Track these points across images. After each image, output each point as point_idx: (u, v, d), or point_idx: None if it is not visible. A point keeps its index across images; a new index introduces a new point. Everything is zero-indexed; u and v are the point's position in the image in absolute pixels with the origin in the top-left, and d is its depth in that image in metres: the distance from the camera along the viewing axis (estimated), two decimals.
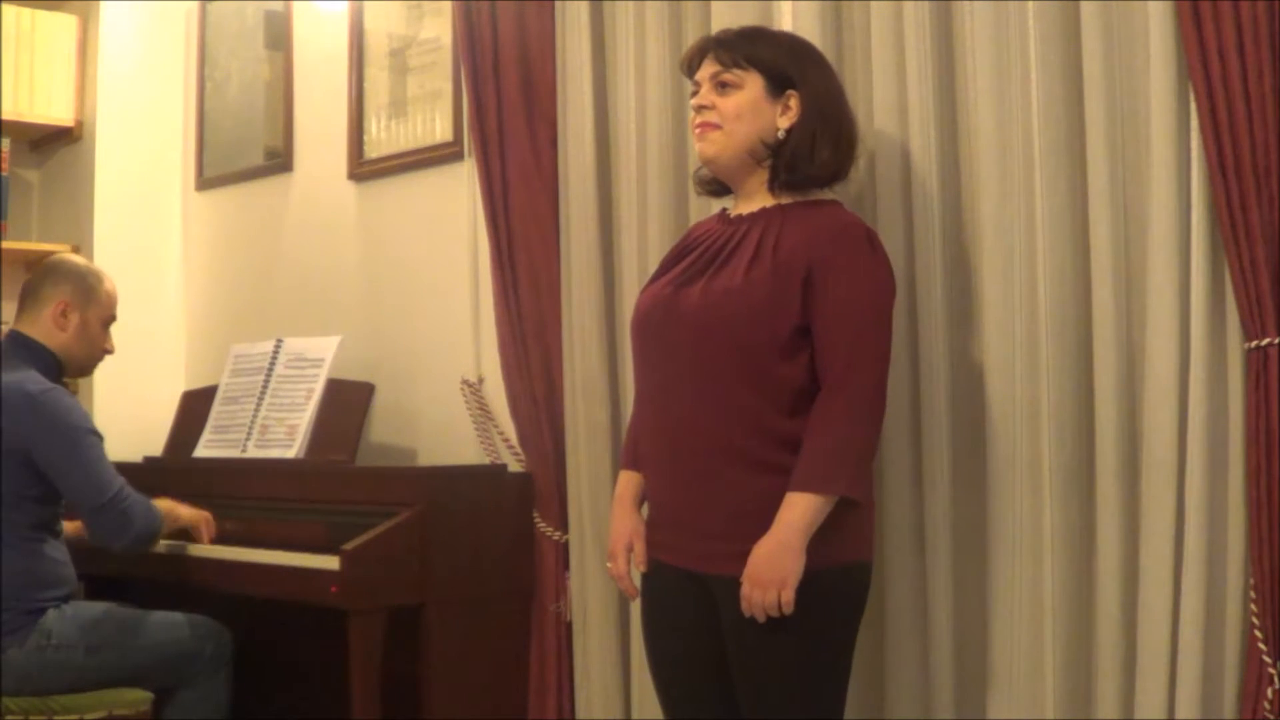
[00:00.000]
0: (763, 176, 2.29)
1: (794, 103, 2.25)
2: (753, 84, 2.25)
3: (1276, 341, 2.05)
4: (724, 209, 2.40)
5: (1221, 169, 2.08)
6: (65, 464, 2.96)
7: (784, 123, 2.25)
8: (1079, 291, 2.32)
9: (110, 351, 3.27)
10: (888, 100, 2.53)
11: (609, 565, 2.39)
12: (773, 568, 2.07)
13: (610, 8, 3.04)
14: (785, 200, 2.27)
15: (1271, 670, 2.06)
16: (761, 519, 2.11)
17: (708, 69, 2.28)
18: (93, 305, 3.18)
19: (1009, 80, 2.37)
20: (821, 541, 2.09)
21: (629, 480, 2.38)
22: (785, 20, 2.72)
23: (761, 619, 2.09)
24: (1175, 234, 2.17)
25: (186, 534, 3.26)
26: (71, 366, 3.19)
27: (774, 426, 2.15)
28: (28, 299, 3.17)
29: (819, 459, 2.10)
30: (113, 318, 3.25)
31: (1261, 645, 2.07)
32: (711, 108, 2.26)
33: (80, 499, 2.97)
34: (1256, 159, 2.05)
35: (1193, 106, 2.13)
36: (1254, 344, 2.07)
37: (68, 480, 2.97)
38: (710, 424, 2.17)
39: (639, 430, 2.35)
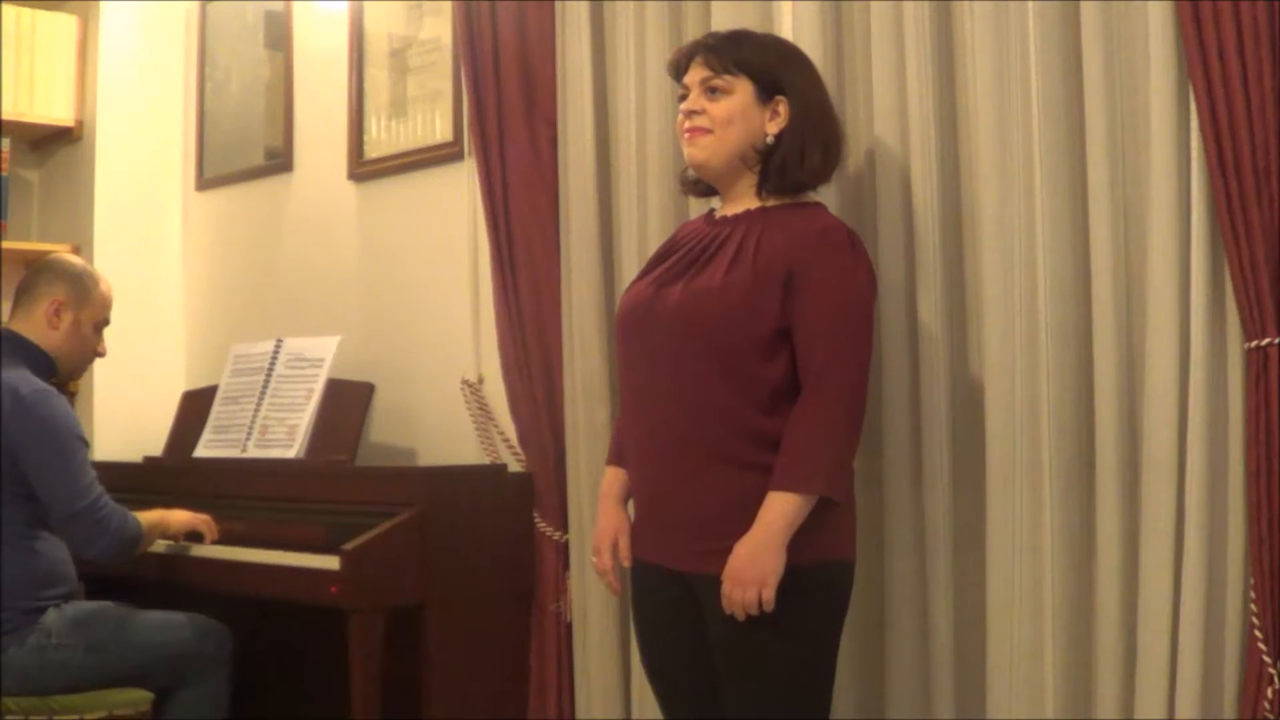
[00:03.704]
0: (751, 180, 2.30)
1: (783, 108, 2.27)
2: (742, 89, 2.26)
3: (1276, 341, 2.05)
4: (711, 209, 2.41)
5: (1221, 169, 2.08)
6: (46, 467, 2.94)
7: (773, 128, 2.27)
8: (1079, 291, 2.32)
9: (101, 354, 3.26)
10: (887, 101, 2.53)
11: (593, 560, 2.41)
12: (753, 566, 2.08)
13: (610, 8, 3.04)
14: (770, 203, 2.29)
15: (1271, 670, 2.06)
16: (741, 517, 2.12)
17: (696, 73, 2.29)
18: (87, 306, 3.17)
19: (1009, 80, 2.37)
20: (802, 539, 2.10)
21: (614, 477, 2.40)
22: (785, 20, 2.72)
23: (741, 617, 2.10)
24: (1175, 234, 2.17)
25: (190, 535, 3.26)
26: (62, 367, 3.17)
27: (753, 425, 2.16)
28: (22, 296, 3.16)
29: (799, 458, 2.12)
30: (106, 321, 3.24)
31: (1261, 645, 2.07)
32: (702, 112, 2.27)
33: (55, 504, 2.95)
34: (1256, 159, 2.05)
35: (1193, 106, 2.13)
36: (1254, 344, 2.07)
37: (46, 483, 2.95)
38: (689, 423, 2.18)
39: (624, 428, 2.36)
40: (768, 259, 2.18)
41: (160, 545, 3.25)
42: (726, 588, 2.11)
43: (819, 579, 2.16)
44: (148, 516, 3.11)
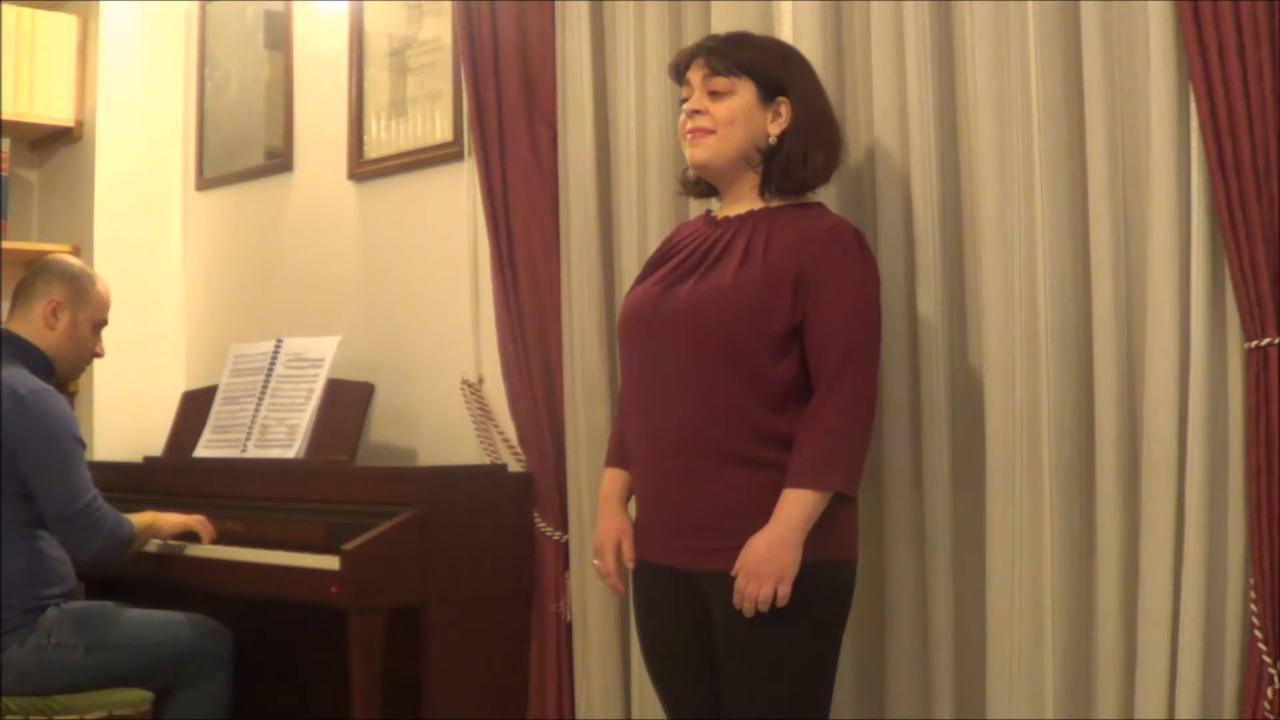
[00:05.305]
0: (753, 180, 2.30)
1: (785, 109, 2.27)
2: (745, 90, 2.27)
3: (1276, 341, 2.05)
4: (708, 210, 2.41)
5: (1221, 169, 2.08)
6: (42, 468, 2.95)
7: (775, 129, 2.27)
8: (1079, 291, 2.32)
9: (99, 355, 3.26)
10: (888, 101, 2.53)
11: (595, 563, 2.42)
12: (770, 561, 2.09)
13: (610, 8, 3.04)
14: (773, 204, 2.29)
15: (1271, 670, 2.06)
16: (750, 515, 2.13)
17: (699, 74, 2.30)
18: (84, 307, 3.18)
19: (1009, 80, 2.37)
20: (813, 537, 2.11)
21: (615, 478, 2.41)
22: (785, 20, 2.72)
23: (750, 613, 2.11)
24: (1175, 234, 2.17)
25: (188, 535, 3.26)
26: (59, 367, 3.17)
27: (762, 423, 2.17)
28: (20, 297, 3.16)
29: (816, 456, 2.13)
30: (104, 321, 3.24)
31: (1261, 645, 2.07)
32: (704, 113, 2.28)
33: (50, 505, 2.96)
34: (1256, 159, 2.05)
35: (1193, 106, 2.13)
36: (1254, 344, 2.07)
37: (42, 484, 2.95)
38: (698, 421, 2.18)
39: (625, 428, 2.37)
40: (777, 259, 2.18)
41: (159, 545, 3.25)
42: (741, 582, 2.11)
43: (824, 578, 2.16)
44: (139, 518, 3.11)
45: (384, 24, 3.72)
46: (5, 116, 4.01)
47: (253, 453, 3.47)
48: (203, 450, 3.63)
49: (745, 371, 2.16)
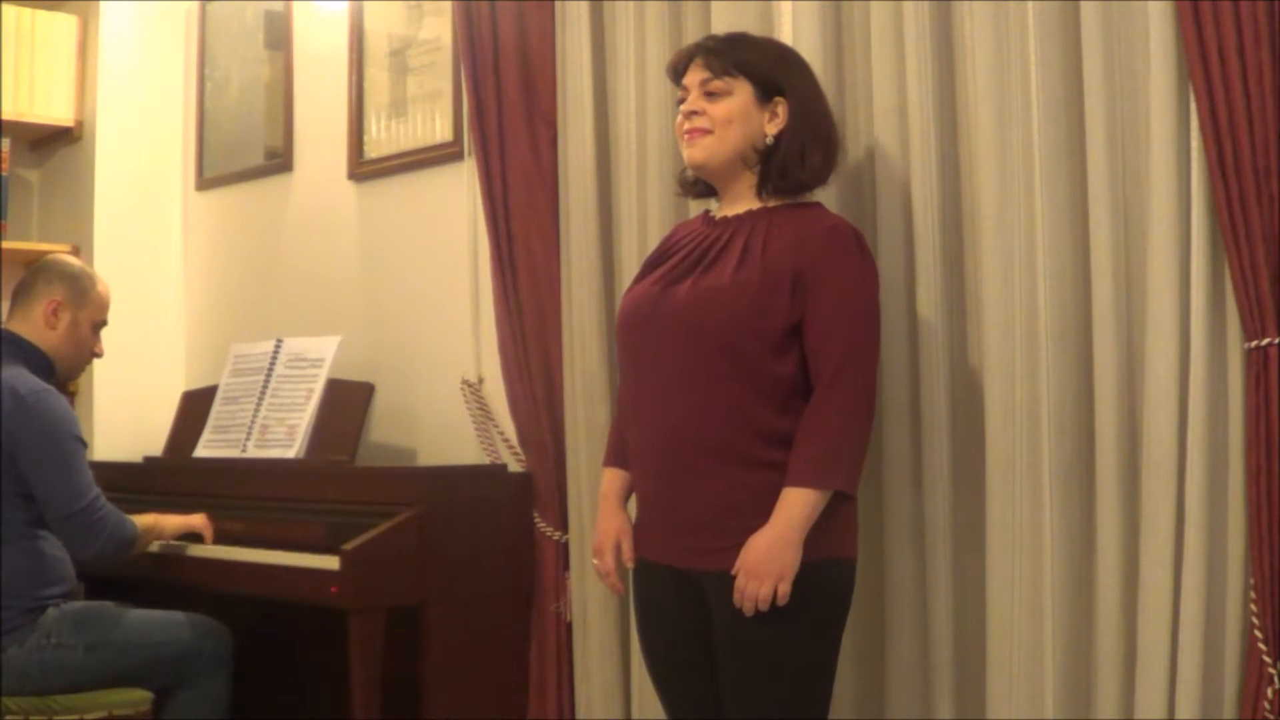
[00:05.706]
0: (750, 180, 2.31)
1: (781, 109, 2.28)
2: (742, 91, 2.27)
3: (1276, 341, 2.05)
4: (706, 210, 2.42)
5: (1221, 169, 2.08)
6: (43, 468, 2.95)
7: (772, 129, 2.28)
8: (1079, 291, 2.32)
9: (99, 355, 3.26)
10: (888, 101, 2.54)
11: (595, 562, 2.42)
12: (770, 560, 2.09)
13: (610, 8, 3.04)
14: (771, 203, 2.30)
15: (1271, 670, 2.06)
16: (751, 514, 2.14)
17: (696, 75, 2.30)
18: (85, 307, 3.18)
19: (1009, 80, 2.37)
20: (813, 536, 2.12)
21: (614, 477, 2.41)
22: (785, 20, 2.72)
23: (750, 612, 2.11)
24: (1175, 234, 2.17)
25: (190, 535, 3.26)
26: (60, 367, 3.17)
27: (763, 423, 2.17)
28: (20, 297, 3.17)
29: (817, 455, 2.13)
30: (104, 322, 3.24)
31: (1261, 645, 2.07)
32: (702, 113, 2.28)
33: (52, 504, 2.96)
34: (1256, 159, 2.05)
35: (1193, 106, 2.13)
36: (1254, 344, 2.07)
37: (43, 484, 2.95)
38: (699, 421, 2.19)
39: (624, 428, 2.37)
40: (776, 258, 2.19)
41: (159, 545, 3.25)
42: (741, 581, 2.11)
43: (824, 577, 2.17)
44: (142, 520, 3.11)
45: (384, 24, 3.72)
46: (5, 116, 4.01)
47: (253, 453, 3.47)
48: (203, 450, 3.63)
49: (745, 371, 2.17)
